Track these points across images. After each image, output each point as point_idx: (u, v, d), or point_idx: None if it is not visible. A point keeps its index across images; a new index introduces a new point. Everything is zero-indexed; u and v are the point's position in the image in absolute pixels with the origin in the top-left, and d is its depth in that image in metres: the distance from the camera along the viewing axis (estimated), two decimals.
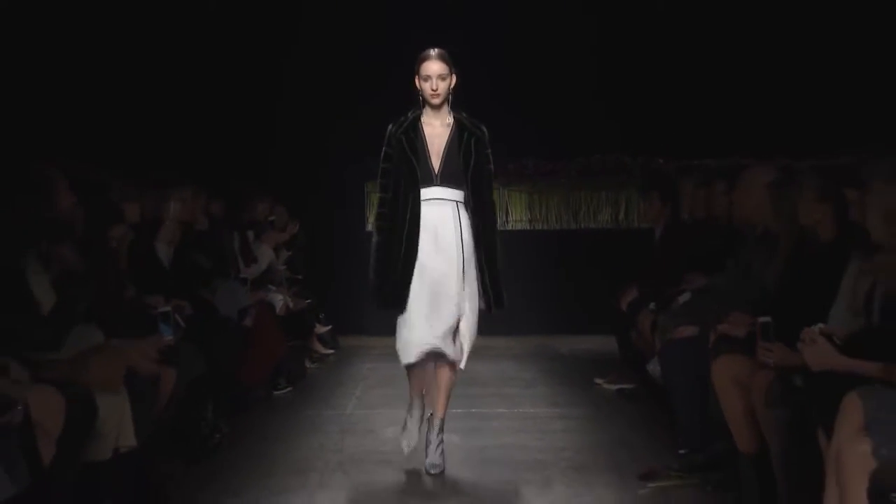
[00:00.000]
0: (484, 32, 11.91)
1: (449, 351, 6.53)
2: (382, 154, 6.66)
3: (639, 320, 8.57)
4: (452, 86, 6.62)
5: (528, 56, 12.56)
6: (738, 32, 12.42)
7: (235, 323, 8.51)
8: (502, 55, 12.27)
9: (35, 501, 4.92)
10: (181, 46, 12.04)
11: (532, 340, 12.09)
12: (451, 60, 6.57)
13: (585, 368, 10.42)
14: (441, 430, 6.66)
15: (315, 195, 12.52)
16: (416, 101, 6.65)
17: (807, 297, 5.34)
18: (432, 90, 6.54)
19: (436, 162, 6.58)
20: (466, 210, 6.63)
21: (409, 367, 6.66)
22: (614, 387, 9.40)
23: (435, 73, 6.52)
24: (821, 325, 4.90)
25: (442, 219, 6.55)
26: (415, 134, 6.60)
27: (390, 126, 6.65)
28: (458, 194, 6.62)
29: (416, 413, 6.79)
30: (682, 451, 6.71)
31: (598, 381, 9.68)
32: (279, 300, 10.01)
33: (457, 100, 6.64)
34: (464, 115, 6.67)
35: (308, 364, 10.75)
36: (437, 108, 6.62)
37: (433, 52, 6.58)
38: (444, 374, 6.67)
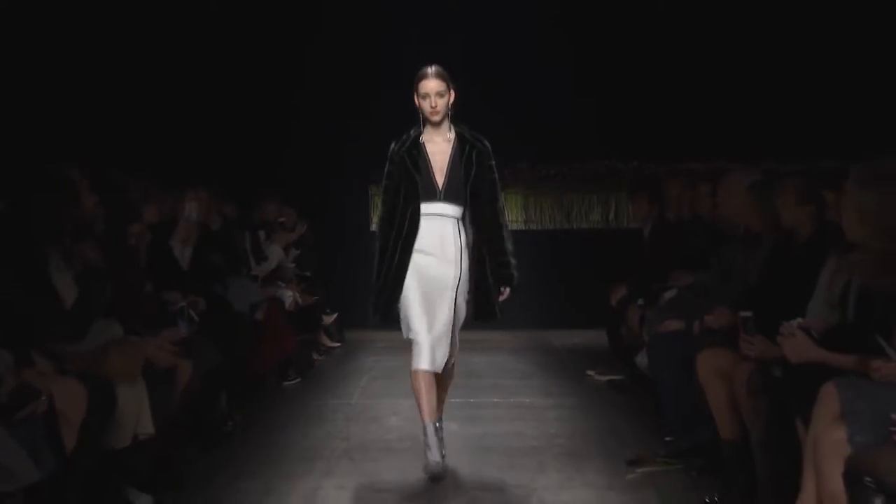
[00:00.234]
0: (482, 43, 11.90)
1: (445, 359, 6.30)
2: (385, 172, 6.44)
3: (628, 315, 8.58)
4: (451, 102, 6.36)
5: (524, 66, 12.55)
6: (722, 44, 12.41)
7: (247, 317, 8.51)
8: (499, 64, 12.25)
9: (59, 486, 4.94)
10: (201, 59, 12.05)
11: (527, 334, 12.09)
12: (449, 77, 6.32)
13: (577, 361, 10.42)
14: (439, 424, 6.39)
15: (323, 197, 12.52)
16: (417, 119, 6.40)
17: (786, 292, 5.34)
18: (431, 108, 6.28)
19: (440, 178, 6.32)
20: (465, 226, 6.37)
21: (416, 374, 6.24)
22: (604, 378, 9.39)
23: (433, 91, 6.27)
24: (799, 320, 4.91)
25: (443, 234, 6.30)
26: (417, 152, 6.34)
27: (393, 144, 6.41)
28: (458, 210, 6.36)
29: (433, 439, 6.20)
30: (668, 439, 6.71)
31: (590, 372, 9.68)
32: (288, 296, 10.02)
33: (456, 110, 6.40)
34: (465, 128, 6.42)
35: (315, 356, 10.75)
36: (437, 124, 6.35)
37: (430, 69, 6.32)
38: (446, 380, 6.52)
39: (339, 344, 11.52)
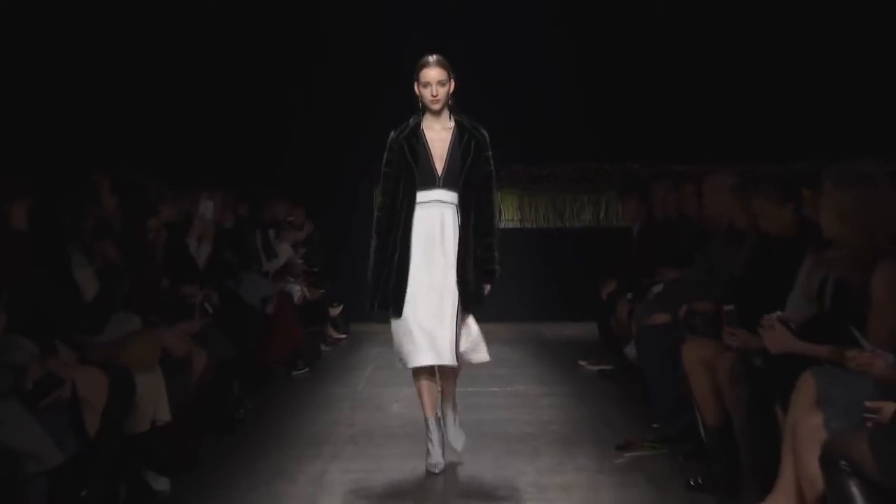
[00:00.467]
0: (481, 46, 11.87)
1: (450, 355, 5.95)
2: (384, 160, 6.11)
3: (617, 309, 8.57)
4: (452, 91, 6.05)
5: (521, 71, 12.56)
6: (703, 56, 12.41)
7: (258, 311, 8.52)
8: (498, 68, 12.23)
9: (82, 468, 4.96)
10: (214, 66, 12.04)
11: (522, 326, 12.09)
12: (450, 66, 6.03)
13: (570, 351, 10.41)
14: (454, 409, 6.23)
15: (330, 196, 12.52)
16: (417, 107, 6.11)
17: (767, 287, 5.34)
18: (432, 96, 5.97)
19: (439, 165, 6.00)
20: (461, 211, 6.05)
21: (416, 372, 6.05)
22: (595, 368, 9.39)
23: (434, 80, 5.96)
24: (779, 313, 4.91)
25: (443, 221, 6.00)
26: (416, 139, 6.03)
27: (392, 133, 6.12)
28: (458, 198, 6.06)
29: (436, 436, 6.06)
30: (655, 425, 6.72)
31: (581, 362, 9.69)
32: (297, 290, 10.02)
33: (456, 105, 6.10)
34: (464, 117, 6.11)
35: (323, 347, 10.74)
36: (437, 113, 6.04)
37: (432, 58, 6.03)
38: (449, 374, 6.14)
39: (344, 335, 11.53)
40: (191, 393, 6.47)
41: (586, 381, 9.05)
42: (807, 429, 4.25)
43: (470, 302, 6.04)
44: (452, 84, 6.04)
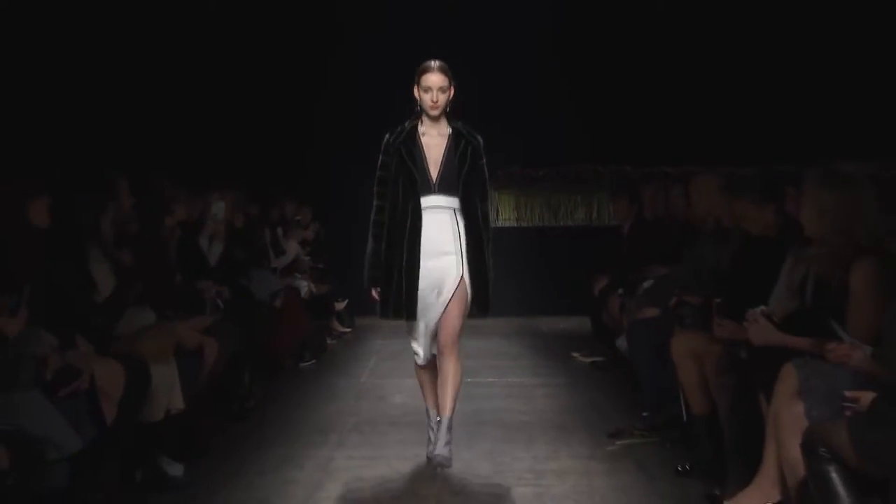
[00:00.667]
0: (481, 55, 11.87)
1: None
2: (379, 162, 5.77)
3: (609, 303, 8.58)
4: (451, 97, 5.75)
5: (518, 78, 12.57)
6: (690, 62, 12.42)
7: (267, 305, 8.52)
8: (496, 76, 12.24)
9: (99, 454, 4.97)
10: (228, 75, 12.04)
11: (518, 320, 12.09)
12: (452, 73, 5.73)
13: (564, 344, 10.41)
14: (450, 428, 5.61)
15: (335, 196, 12.51)
16: (414, 111, 5.80)
17: (752, 282, 5.35)
18: (432, 101, 5.65)
19: (434, 171, 5.69)
20: (462, 216, 5.74)
21: (419, 368, 5.95)
22: (588, 359, 9.39)
23: (436, 85, 5.65)
24: (762, 307, 4.92)
25: (440, 226, 5.68)
26: (412, 143, 5.71)
27: (387, 135, 5.78)
28: (455, 201, 5.72)
29: (436, 424, 5.81)
30: (644, 414, 6.71)
31: (575, 354, 9.69)
32: (304, 286, 10.03)
33: (453, 111, 5.80)
34: (460, 123, 5.79)
35: (328, 340, 10.75)
36: (435, 118, 5.73)
37: (434, 63, 5.70)
38: (450, 370, 5.69)
39: (349, 329, 11.53)
40: (203, 383, 6.48)
41: (579, 372, 9.05)
42: (789, 417, 4.26)
43: (486, 305, 5.77)
44: (452, 91, 5.75)
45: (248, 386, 7.59)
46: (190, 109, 11.59)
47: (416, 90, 5.75)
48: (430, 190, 5.70)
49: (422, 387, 6.03)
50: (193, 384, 6.18)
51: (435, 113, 5.72)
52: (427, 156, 5.72)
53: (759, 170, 6.78)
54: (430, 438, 5.86)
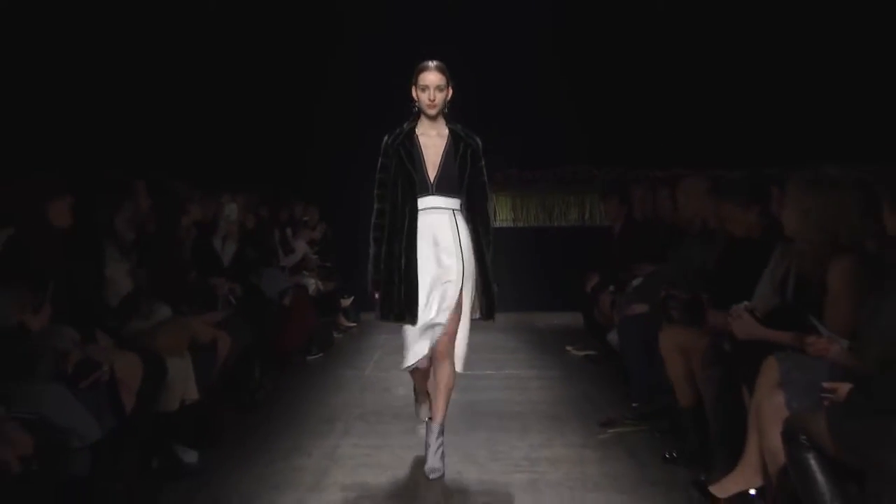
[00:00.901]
0: (481, 62, 11.87)
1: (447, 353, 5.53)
2: (379, 165, 5.52)
3: (600, 300, 8.59)
4: (449, 98, 5.50)
5: (514, 82, 12.58)
6: (678, 71, 12.43)
7: (277, 302, 8.54)
8: (495, 83, 12.24)
9: (119, 443, 4.98)
10: (241, 83, 12.05)
11: (515, 316, 12.07)
12: (449, 73, 5.50)
13: (557, 338, 10.44)
14: (441, 433, 5.53)
15: (341, 199, 12.52)
16: (412, 112, 5.56)
17: (736, 280, 5.36)
18: (430, 101, 5.41)
19: (432, 172, 5.45)
20: (463, 217, 5.53)
21: (415, 373, 5.68)
22: (581, 353, 9.40)
23: (433, 84, 5.40)
24: (745, 303, 4.93)
25: (439, 227, 5.44)
26: (411, 144, 5.46)
27: (386, 137, 5.52)
28: (454, 202, 5.49)
29: (423, 407, 5.82)
30: (634, 404, 6.73)
31: (568, 348, 9.70)
32: (312, 283, 10.04)
33: (452, 114, 5.58)
34: (459, 126, 5.56)
35: (335, 335, 10.77)
36: (432, 118, 5.48)
37: (432, 63, 5.46)
38: (444, 376, 5.56)
39: (354, 324, 11.54)
40: (216, 375, 6.49)
41: (573, 364, 9.07)
42: (770, 408, 4.27)
43: (491, 306, 5.61)
44: (450, 91, 5.49)
45: (258, 378, 7.60)
46: (201, 114, 11.61)
47: (413, 90, 5.50)
48: (427, 191, 5.46)
49: (417, 391, 5.81)
50: (207, 376, 6.19)
51: (432, 112, 5.47)
52: (425, 156, 5.48)
53: (745, 173, 6.78)
54: (427, 446, 5.54)
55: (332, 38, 12.55)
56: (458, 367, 5.59)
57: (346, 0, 12.44)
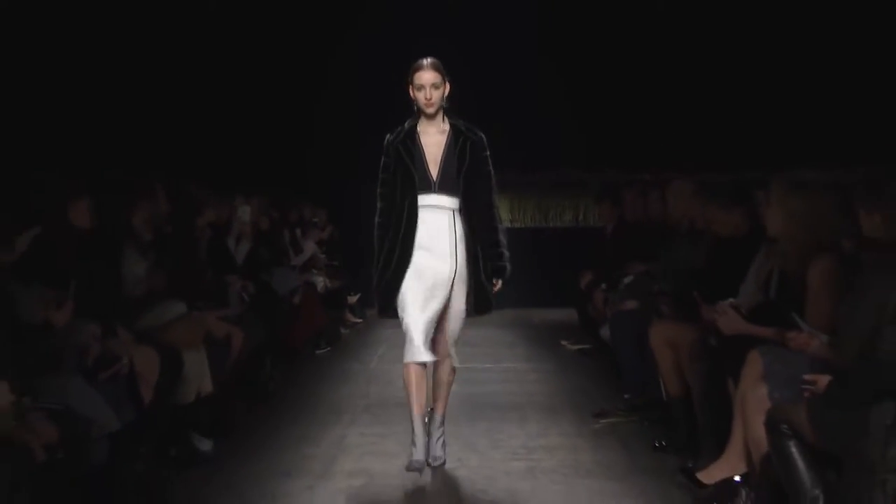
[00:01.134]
0: (480, 70, 11.87)
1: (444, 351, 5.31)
2: (381, 164, 5.28)
3: (594, 296, 8.59)
4: (447, 94, 5.22)
5: (513, 89, 12.60)
6: (666, 79, 12.45)
7: (287, 299, 8.55)
8: (494, 89, 12.24)
9: (139, 432, 5.00)
10: (253, 91, 12.05)
11: (512, 312, 12.07)
12: (445, 69, 5.21)
13: (553, 333, 10.43)
14: (442, 423, 5.45)
15: (348, 201, 12.53)
16: (412, 111, 5.28)
17: (722, 278, 5.37)
18: (426, 99, 5.14)
19: (434, 170, 5.19)
20: (461, 217, 5.25)
21: (407, 368, 5.14)
22: (575, 347, 9.40)
23: (428, 83, 5.13)
24: (731, 300, 4.95)
25: (438, 226, 5.19)
26: (412, 143, 5.21)
27: (388, 136, 5.29)
28: (454, 202, 5.22)
29: (420, 434, 5.15)
30: (626, 396, 6.74)
31: (563, 342, 9.70)
32: (320, 281, 10.05)
33: (452, 110, 5.30)
34: (460, 121, 5.29)
35: (342, 330, 10.77)
36: (432, 116, 5.21)
37: (426, 61, 5.18)
38: (443, 373, 5.43)
39: (360, 320, 11.54)
40: (230, 368, 6.50)
41: (567, 358, 9.08)
42: (754, 399, 4.28)
43: (481, 304, 5.32)
44: (447, 87, 5.21)
45: (269, 371, 7.61)
46: (214, 120, 11.61)
47: (410, 89, 5.22)
48: (429, 189, 5.20)
49: (408, 389, 5.16)
50: (221, 369, 6.21)
51: (430, 110, 5.19)
52: (427, 154, 5.22)
53: (729, 177, 6.80)
54: (413, 444, 5.12)
55: (331, 41, 12.49)
56: (455, 363, 5.44)
57: (346, 2, 12.40)
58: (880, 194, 3.78)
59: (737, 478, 4.49)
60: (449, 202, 5.23)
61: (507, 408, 6.91)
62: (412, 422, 5.15)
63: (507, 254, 5.37)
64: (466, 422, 6.36)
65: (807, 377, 3.96)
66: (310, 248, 10.41)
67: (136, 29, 10.27)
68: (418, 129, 5.26)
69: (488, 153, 5.30)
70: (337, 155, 12.68)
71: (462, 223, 5.25)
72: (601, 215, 9.72)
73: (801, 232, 4.48)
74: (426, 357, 5.08)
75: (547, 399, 7.22)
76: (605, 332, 7.81)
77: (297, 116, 12.65)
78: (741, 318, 4.79)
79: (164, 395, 5.26)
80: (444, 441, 5.48)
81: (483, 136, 5.29)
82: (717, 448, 4.75)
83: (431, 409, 5.45)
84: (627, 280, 7.63)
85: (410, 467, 5.07)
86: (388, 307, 5.25)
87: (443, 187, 5.21)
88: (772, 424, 3.93)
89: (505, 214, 13.30)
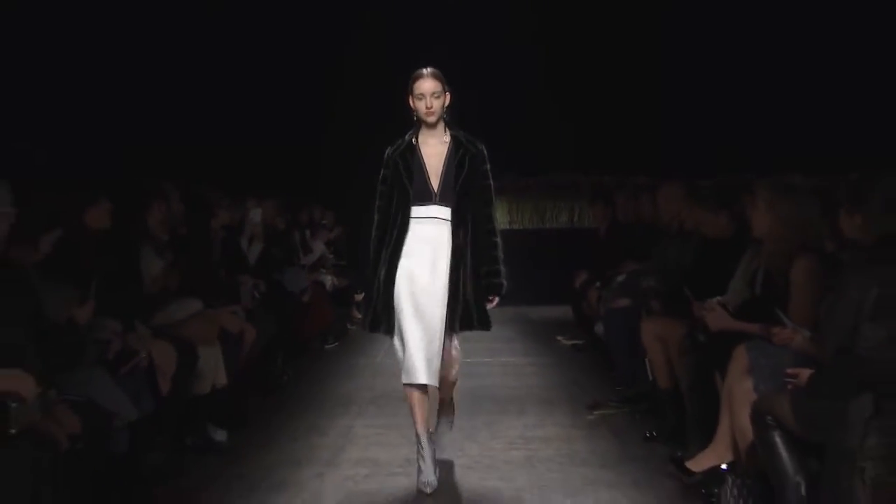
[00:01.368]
0: (481, 76, 11.86)
1: (436, 374, 4.80)
2: (380, 176, 4.93)
3: (588, 294, 8.59)
4: (447, 104, 4.90)
5: (509, 94, 12.61)
6: (656, 86, 12.46)
7: (297, 297, 8.56)
8: (493, 95, 12.24)
9: (157, 422, 5.02)
10: (265, 99, 12.06)
11: (511, 309, 11.96)
12: (445, 78, 4.91)
13: (549, 329, 10.42)
14: (450, 428, 5.29)
15: (355, 203, 12.52)
16: (412, 122, 4.96)
17: (711, 276, 5.37)
18: (427, 109, 4.81)
19: (434, 181, 4.85)
20: (457, 227, 4.88)
21: (409, 387, 4.80)
22: (570, 342, 9.41)
23: (428, 92, 4.82)
24: (718, 298, 4.96)
25: (438, 238, 4.83)
26: (411, 155, 4.87)
27: (388, 149, 4.95)
28: (454, 213, 4.90)
29: (428, 454, 4.89)
30: (618, 388, 6.75)
31: (559, 338, 9.71)
32: (328, 280, 10.06)
33: (453, 121, 4.99)
34: (462, 133, 4.97)
35: (349, 326, 10.78)
36: (432, 126, 4.88)
37: (426, 70, 4.88)
38: (446, 400, 5.21)
39: None
40: (243, 363, 6.52)
41: (563, 353, 9.08)
42: (740, 391, 4.29)
43: (471, 320, 4.90)
44: (448, 97, 4.89)
45: (280, 365, 7.63)
46: (228, 126, 11.62)
47: (410, 99, 4.90)
48: (430, 200, 4.85)
49: (412, 408, 4.87)
50: (235, 363, 6.22)
51: (431, 119, 4.86)
52: (427, 165, 4.87)
53: (716, 180, 6.80)
54: (419, 468, 4.91)
55: (342, 45, 12.49)
56: (454, 378, 5.07)
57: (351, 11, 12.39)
58: (862, 197, 3.79)
59: (724, 466, 4.50)
60: (448, 214, 4.87)
61: (506, 400, 6.92)
62: (417, 441, 4.91)
63: (503, 269, 4.97)
64: (468, 414, 6.35)
65: (790, 371, 3.96)
66: (318, 248, 10.42)
67: (152, 34, 10.28)
68: (419, 140, 4.92)
69: (488, 166, 4.95)
70: (350, 165, 12.67)
71: (461, 236, 4.87)
72: (595, 217, 9.71)
73: (786, 233, 4.48)
74: (424, 379, 4.72)
75: (543, 392, 7.23)
76: (598, 328, 7.82)
77: (307, 123, 12.66)
78: (728, 315, 4.80)
79: (180, 388, 5.27)
80: (450, 436, 5.28)
81: (484, 148, 4.95)
82: (705, 438, 4.75)
83: (431, 431, 5.04)
84: (620, 278, 7.64)
85: (421, 487, 4.83)
86: (380, 323, 4.87)
87: (443, 198, 4.85)
88: (757, 415, 3.94)
89: (504, 217, 13.41)
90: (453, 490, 4.97)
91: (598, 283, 8.27)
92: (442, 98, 4.88)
